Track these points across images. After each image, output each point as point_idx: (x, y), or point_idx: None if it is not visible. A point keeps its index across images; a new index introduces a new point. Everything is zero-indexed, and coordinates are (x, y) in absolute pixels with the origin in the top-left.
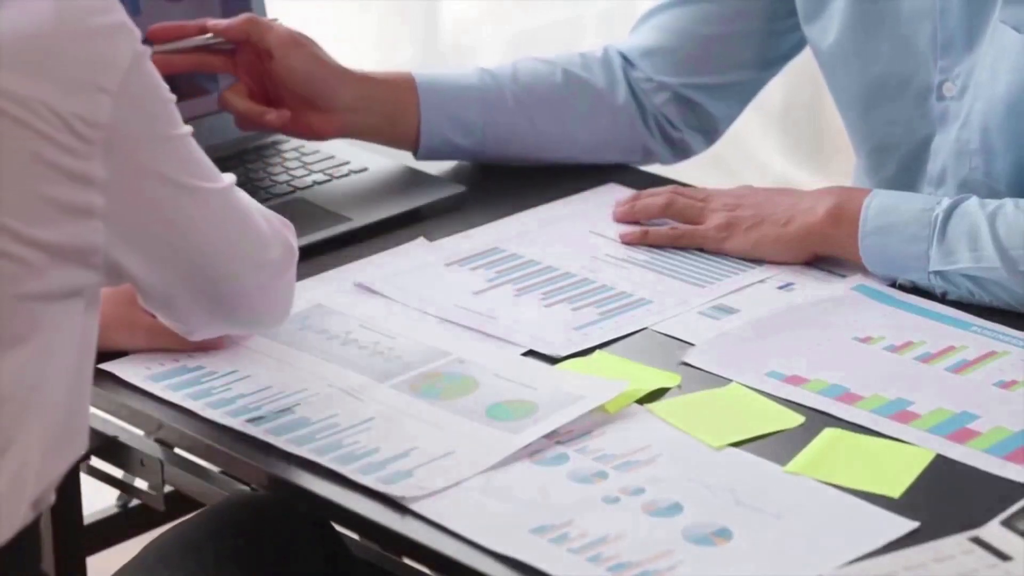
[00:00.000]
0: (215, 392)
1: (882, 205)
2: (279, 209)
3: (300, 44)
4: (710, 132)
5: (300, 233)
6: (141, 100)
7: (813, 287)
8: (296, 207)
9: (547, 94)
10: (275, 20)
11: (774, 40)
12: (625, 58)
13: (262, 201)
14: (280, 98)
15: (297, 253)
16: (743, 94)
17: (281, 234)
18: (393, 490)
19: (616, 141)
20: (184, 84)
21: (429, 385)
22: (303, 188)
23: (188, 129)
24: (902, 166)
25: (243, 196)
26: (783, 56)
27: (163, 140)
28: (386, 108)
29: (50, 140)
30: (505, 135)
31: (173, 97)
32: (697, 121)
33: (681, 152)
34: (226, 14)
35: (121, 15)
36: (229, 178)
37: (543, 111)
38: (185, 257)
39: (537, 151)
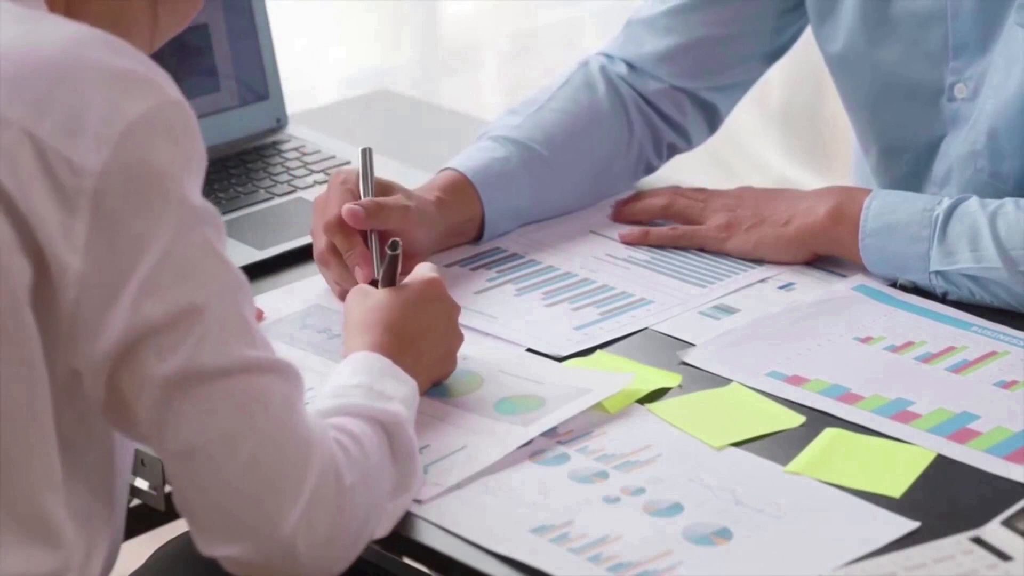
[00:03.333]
0: None
1: (882, 205)
2: (279, 209)
3: (419, 223)
4: (715, 128)
5: (300, 233)
6: (136, 170)
7: (813, 287)
8: (296, 207)
9: (578, 159)
10: (397, 199)
11: (783, 33)
12: (634, 68)
13: (262, 201)
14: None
15: (355, 488)
16: (748, 86)
17: (328, 454)
18: None
19: (630, 181)
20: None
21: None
22: (303, 188)
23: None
24: (912, 167)
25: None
26: (787, 45)
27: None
28: (458, 225)
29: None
30: (550, 207)
31: (208, 205)
32: (708, 124)
33: (674, 153)
34: (226, 11)
35: (144, 68)
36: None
37: (576, 173)
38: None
39: (566, 208)
